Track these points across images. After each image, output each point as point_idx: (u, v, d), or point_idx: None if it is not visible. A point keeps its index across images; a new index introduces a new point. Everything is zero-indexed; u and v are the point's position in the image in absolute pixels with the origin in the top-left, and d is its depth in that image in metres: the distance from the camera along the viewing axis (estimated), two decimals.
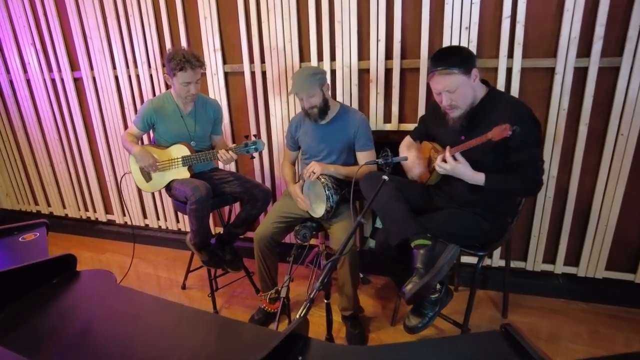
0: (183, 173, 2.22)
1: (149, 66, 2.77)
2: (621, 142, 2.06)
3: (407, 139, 2.06)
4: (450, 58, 1.57)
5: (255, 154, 2.12)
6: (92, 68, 2.94)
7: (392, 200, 1.76)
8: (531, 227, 2.34)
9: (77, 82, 3.06)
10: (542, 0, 1.99)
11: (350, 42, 2.30)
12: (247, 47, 2.51)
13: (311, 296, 1.43)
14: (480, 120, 1.66)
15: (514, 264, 2.43)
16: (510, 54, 2.09)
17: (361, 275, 2.60)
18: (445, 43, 2.15)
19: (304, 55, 2.44)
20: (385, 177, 1.63)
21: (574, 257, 2.35)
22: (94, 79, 2.96)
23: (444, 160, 1.63)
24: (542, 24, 2.02)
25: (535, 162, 1.63)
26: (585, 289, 2.33)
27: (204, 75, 2.64)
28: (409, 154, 1.89)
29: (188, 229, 3.11)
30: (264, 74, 2.54)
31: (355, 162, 2.23)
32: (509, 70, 2.11)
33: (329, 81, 2.18)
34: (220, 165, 2.63)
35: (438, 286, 1.97)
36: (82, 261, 3.08)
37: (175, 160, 2.21)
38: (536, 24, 2.03)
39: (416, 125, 2.08)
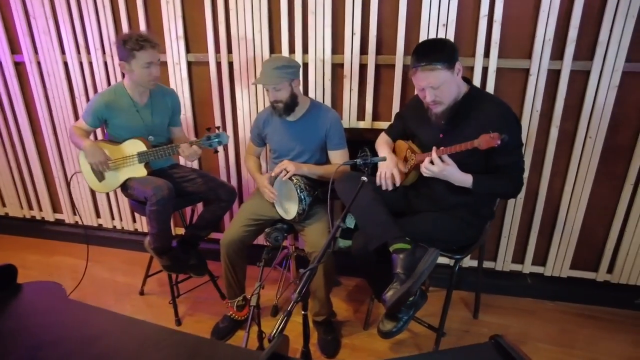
0: (140, 171, 2.03)
1: (103, 52, 2.52)
2: (589, 144, 2.09)
3: (384, 137, 1.98)
4: (434, 53, 1.50)
5: (220, 148, 1.97)
6: (36, 52, 2.64)
7: (372, 203, 1.68)
8: (502, 228, 2.35)
9: (19, 66, 2.74)
10: (519, 0, 1.97)
11: (324, 35, 2.19)
12: (213, 36, 2.33)
13: (289, 309, 1.33)
14: (463, 118, 1.61)
15: (484, 264, 2.44)
16: (487, 54, 2.06)
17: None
18: (422, 40, 2.09)
19: (274, 47, 2.30)
20: (365, 179, 1.54)
21: (541, 257, 2.38)
22: (38, 63, 2.67)
23: (431, 162, 1.55)
24: (519, 24, 2.01)
25: (518, 163, 1.61)
26: (552, 288, 2.38)
27: (164, 64, 2.43)
28: (388, 154, 1.81)
29: (146, 231, 2.90)
30: (230, 64, 2.38)
31: (328, 161, 2.14)
32: (485, 70, 2.09)
33: (301, 75, 2.07)
34: (182, 161, 2.45)
35: None
36: (29, 266, 2.79)
37: (131, 157, 2.02)
38: (513, 24, 2.01)
39: (391, 122, 2.02)
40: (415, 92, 1.70)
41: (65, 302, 1.34)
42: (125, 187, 2.07)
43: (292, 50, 2.26)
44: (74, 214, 3.04)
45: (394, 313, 1.88)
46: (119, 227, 2.97)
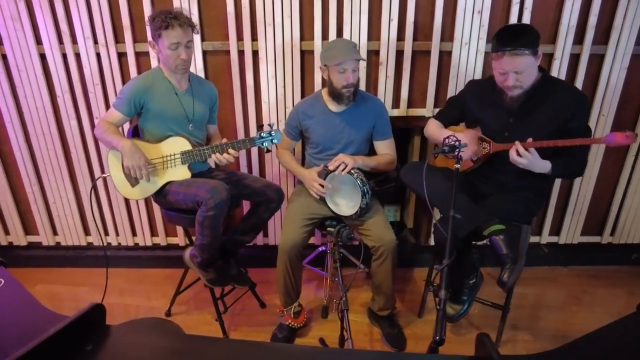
0: (182, 173, 1.77)
1: (95, 42, 2.14)
2: (602, 122, 2.30)
3: (437, 123, 1.96)
4: (521, 38, 1.52)
5: (272, 147, 1.80)
6: (0, 42, 2.16)
7: (451, 190, 1.66)
8: None
9: None
10: None
11: (360, 20, 2.11)
12: (235, 21, 2.11)
13: (442, 307, 1.27)
14: (537, 104, 1.65)
15: None
16: None
17: (367, 270, 2.47)
18: (458, 26, 2.11)
19: (304, 33, 2.15)
20: (458, 166, 1.53)
21: (556, 227, 2.59)
22: (4, 56, 2.18)
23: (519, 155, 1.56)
24: (546, 11, 2.12)
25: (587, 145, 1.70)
26: (565, 254, 2.60)
27: None
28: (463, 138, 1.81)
29: (147, 243, 2.59)
30: (255, 53, 2.18)
31: (372, 152, 2.08)
32: None
33: None
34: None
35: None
36: None
37: (172, 156, 1.76)
38: (541, 11, 2.12)
39: (441, 108, 2.02)
40: (450, 76, 1.69)
41: (190, 341, 1.13)
42: (161, 192, 1.79)
43: (325, 36, 2.14)
44: (55, 234, 2.58)
45: (458, 296, 1.91)
46: (114, 243, 2.59)
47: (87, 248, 2.60)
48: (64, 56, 2.17)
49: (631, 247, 2.61)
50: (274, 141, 1.75)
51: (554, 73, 2.20)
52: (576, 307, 2.28)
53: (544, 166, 1.61)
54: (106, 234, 2.56)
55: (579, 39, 2.16)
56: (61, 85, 2.22)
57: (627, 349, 1.02)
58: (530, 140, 1.58)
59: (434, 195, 1.69)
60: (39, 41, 2.15)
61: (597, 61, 2.21)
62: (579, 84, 2.22)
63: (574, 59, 2.20)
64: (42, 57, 2.18)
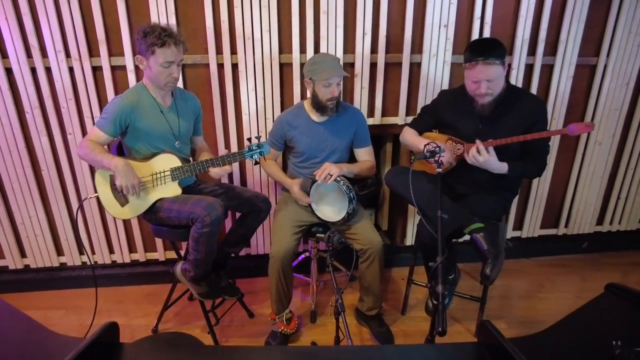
0: (173, 189, 1.77)
1: (68, 55, 2.08)
2: (553, 125, 2.54)
3: (412, 130, 2.09)
4: (493, 49, 1.69)
5: (260, 159, 1.84)
6: None
7: (435, 192, 1.79)
8: None
9: None
10: (504, 4, 2.29)
11: (336, 34, 2.20)
12: (214, 35, 2.13)
13: (441, 301, 1.36)
14: (504, 111, 1.82)
15: None
16: None
17: (348, 273, 2.56)
18: (426, 39, 2.27)
19: (283, 46, 2.21)
20: (440, 170, 1.65)
21: (518, 222, 2.82)
22: None
23: (477, 152, 1.73)
24: (503, 25, 2.33)
25: (546, 147, 1.89)
26: (526, 247, 2.83)
27: None
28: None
29: (125, 260, 2.52)
30: (234, 66, 2.21)
31: (352, 159, 2.17)
32: None
33: None
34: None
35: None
36: None
37: (162, 173, 1.75)
38: (499, 26, 2.32)
39: (415, 117, 2.16)
40: (420, 86, 1.84)
41: (209, 350, 1.15)
42: (151, 210, 1.77)
43: (303, 50, 2.21)
44: (23, 256, 2.44)
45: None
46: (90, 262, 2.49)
47: (61, 269, 2.48)
48: (33, 70, 2.09)
49: (582, 237, 2.90)
50: (262, 153, 1.79)
51: (512, 81, 2.41)
52: (541, 294, 2.49)
53: (500, 167, 1.79)
54: (81, 252, 2.46)
55: (532, 50, 2.39)
56: (30, 100, 2.12)
57: (603, 325, 1.16)
58: (490, 140, 1.76)
59: (420, 197, 1.81)
60: (4, 55, 2.06)
61: (547, 71, 2.45)
62: (533, 91, 2.45)
63: (528, 68, 2.43)
64: (8, 71, 2.09)
